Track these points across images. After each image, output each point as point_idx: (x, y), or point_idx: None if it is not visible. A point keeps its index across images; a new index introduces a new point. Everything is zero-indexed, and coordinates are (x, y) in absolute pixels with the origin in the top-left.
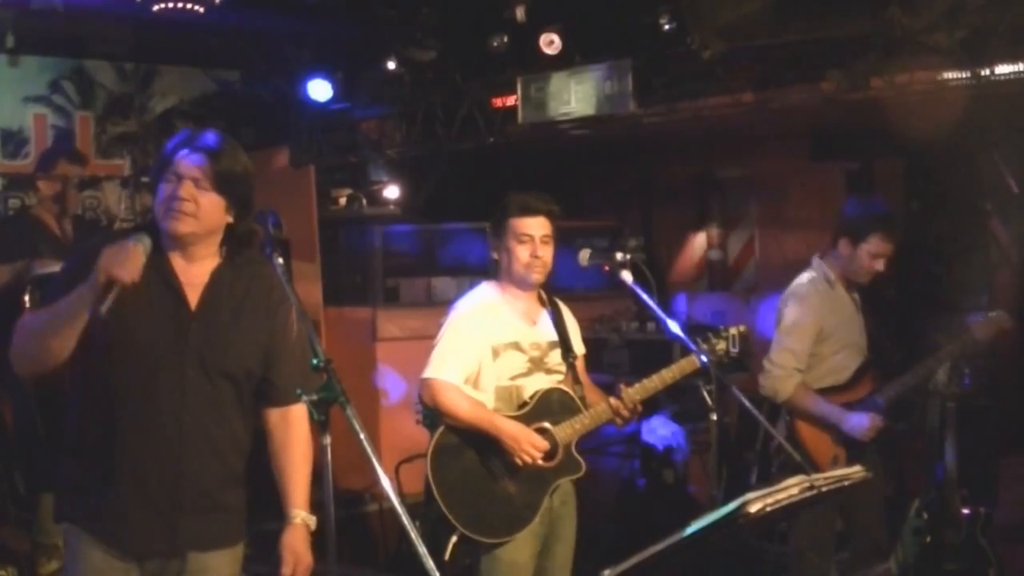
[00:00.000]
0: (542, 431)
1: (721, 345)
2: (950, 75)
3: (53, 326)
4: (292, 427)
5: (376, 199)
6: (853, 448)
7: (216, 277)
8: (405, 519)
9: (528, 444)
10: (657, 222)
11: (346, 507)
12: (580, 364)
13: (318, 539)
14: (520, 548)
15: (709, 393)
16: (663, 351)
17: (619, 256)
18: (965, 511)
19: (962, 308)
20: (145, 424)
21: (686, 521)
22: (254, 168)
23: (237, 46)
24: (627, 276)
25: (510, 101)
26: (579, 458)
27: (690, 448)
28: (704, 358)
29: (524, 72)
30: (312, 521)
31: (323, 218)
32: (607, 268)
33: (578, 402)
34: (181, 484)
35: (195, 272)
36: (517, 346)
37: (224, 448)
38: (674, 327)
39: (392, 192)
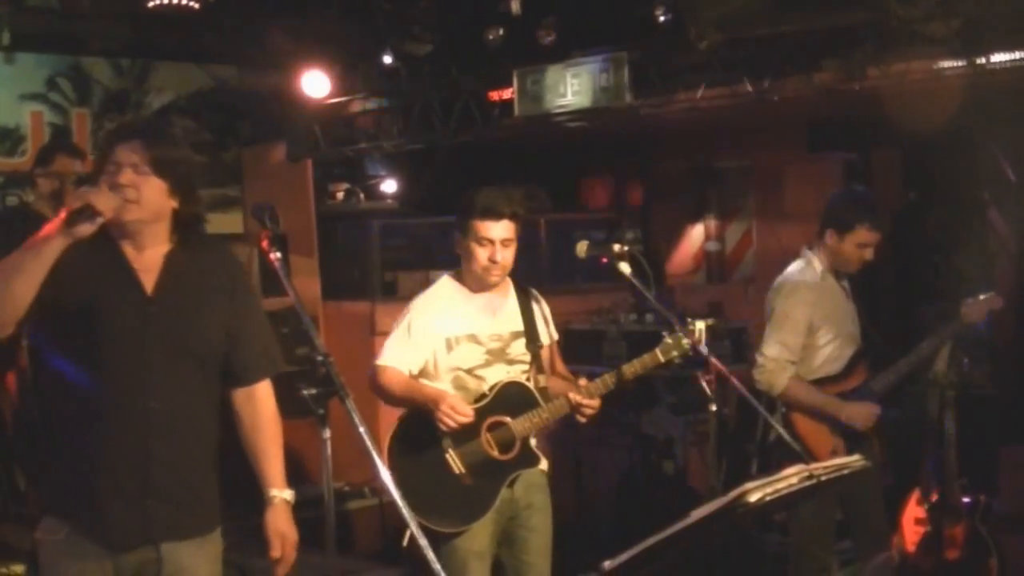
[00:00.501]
0: (499, 424)
1: (685, 341)
2: (947, 64)
3: (16, 267)
4: (259, 405)
5: (373, 193)
6: (851, 438)
7: (170, 262)
8: (406, 512)
9: (448, 407)
10: (655, 214)
11: (345, 501)
12: (547, 353)
13: (318, 533)
14: (476, 537)
15: (708, 384)
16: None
17: (617, 248)
18: (965, 500)
19: (960, 297)
20: (110, 412)
21: (685, 512)
22: (193, 153)
23: (233, 41)
24: (625, 268)
25: (506, 94)
26: (537, 452)
27: (689, 439)
28: (704, 349)
29: (520, 65)
30: (290, 496)
31: (320, 213)
32: (604, 260)
33: (537, 396)
34: (150, 471)
35: (147, 259)
36: (474, 338)
37: (192, 432)
38: (671, 318)
39: (389, 186)
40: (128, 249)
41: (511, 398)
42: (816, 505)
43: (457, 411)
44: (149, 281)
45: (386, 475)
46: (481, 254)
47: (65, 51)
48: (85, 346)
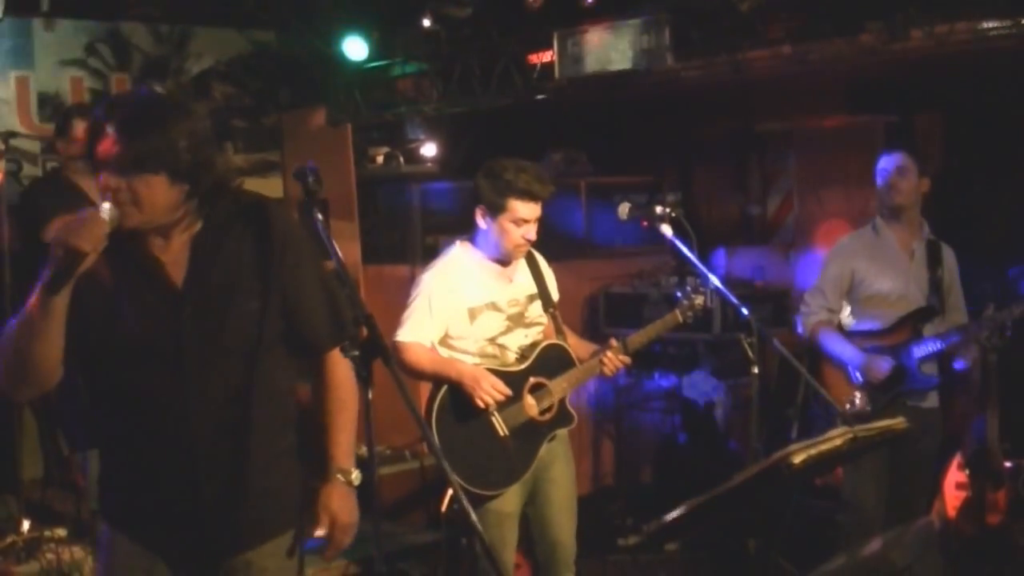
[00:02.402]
0: (539, 386)
1: (699, 300)
2: (991, 24)
3: (28, 332)
4: (329, 375)
5: (414, 157)
6: (872, 391)
7: (199, 245)
8: (451, 476)
9: (487, 384)
10: (696, 177)
11: (385, 464)
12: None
13: (359, 496)
14: (508, 500)
15: (750, 346)
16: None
17: (659, 210)
18: (1008, 464)
19: (1004, 264)
20: (152, 425)
21: (728, 475)
22: (189, 122)
23: (272, 5)
24: (667, 230)
25: (547, 57)
26: (571, 411)
27: (731, 403)
28: (745, 310)
29: (561, 27)
30: (354, 477)
31: (361, 177)
32: (645, 223)
33: (573, 356)
34: (202, 485)
35: (175, 247)
36: (494, 306)
37: (250, 429)
38: (714, 281)
39: (429, 150)
40: (155, 241)
41: (550, 360)
42: (867, 466)
43: (497, 388)
44: (178, 273)
45: (432, 438)
46: (516, 233)
47: (104, 17)
48: (117, 358)
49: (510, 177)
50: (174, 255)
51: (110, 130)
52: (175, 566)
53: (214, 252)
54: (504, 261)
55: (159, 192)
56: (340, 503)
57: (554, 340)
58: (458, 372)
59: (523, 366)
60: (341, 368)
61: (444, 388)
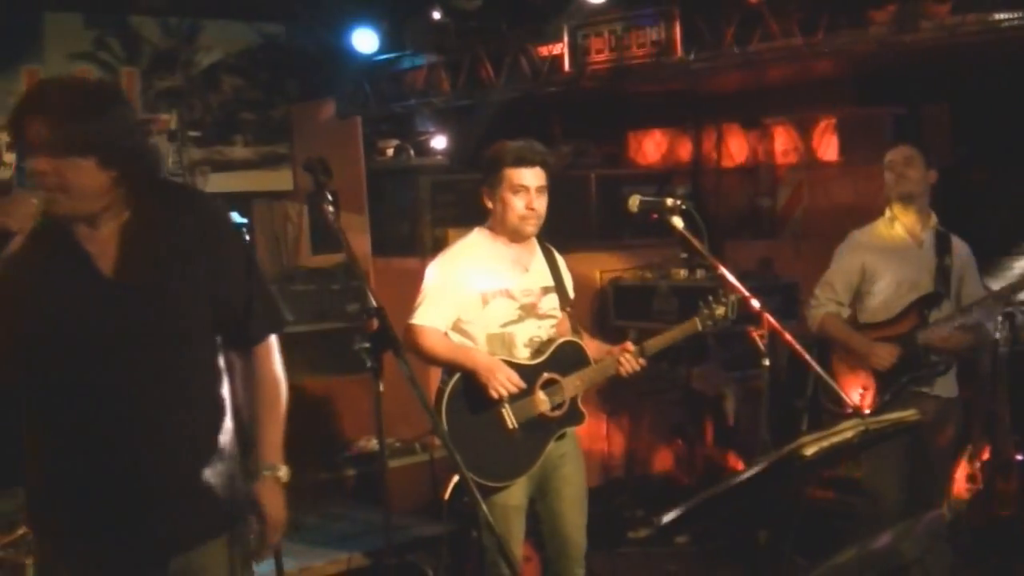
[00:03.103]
0: (552, 382)
1: (720, 310)
2: (1002, 16)
3: None
4: (258, 368)
5: (423, 149)
6: (882, 381)
7: (128, 234)
8: (463, 468)
9: (503, 376)
10: (704, 169)
11: (395, 457)
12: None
13: (369, 488)
14: (514, 493)
15: (760, 339)
16: (711, 292)
17: (669, 202)
18: (1018, 456)
19: (1010, 254)
20: (83, 418)
21: (736, 468)
22: (118, 108)
23: None
24: (678, 222)
25: (557, 49)
26: (582, 410)
27: (741, 395)
28: (755, 303)
29: (571, 20)
30: (284, 474)
31: (370, 169)
32: (655, 216)
33: (588, 355)
34: (139, 478)
35: (103, 237)
36: (508, 293)
37: (189, 423)
38: (725, 272)
39: (439, 142)
40: (82, 230)
41: (566, 357)
42: (887, 456)
43: (512, 381)
44: (107, 263)
45: (442, 430)
46: (517, 203)
47: (114, 10)
48: (46, 353)
49: (500, 148)
50: (102, 245)
51: (41, 114)
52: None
53: (143, 241)
54: (517, 239)
55: (88, 177)
56: (268, 499)
57: (571, 338)
58: (473, 361)
59: (537, 361)
60: (270, 363)
61: (457, 376)
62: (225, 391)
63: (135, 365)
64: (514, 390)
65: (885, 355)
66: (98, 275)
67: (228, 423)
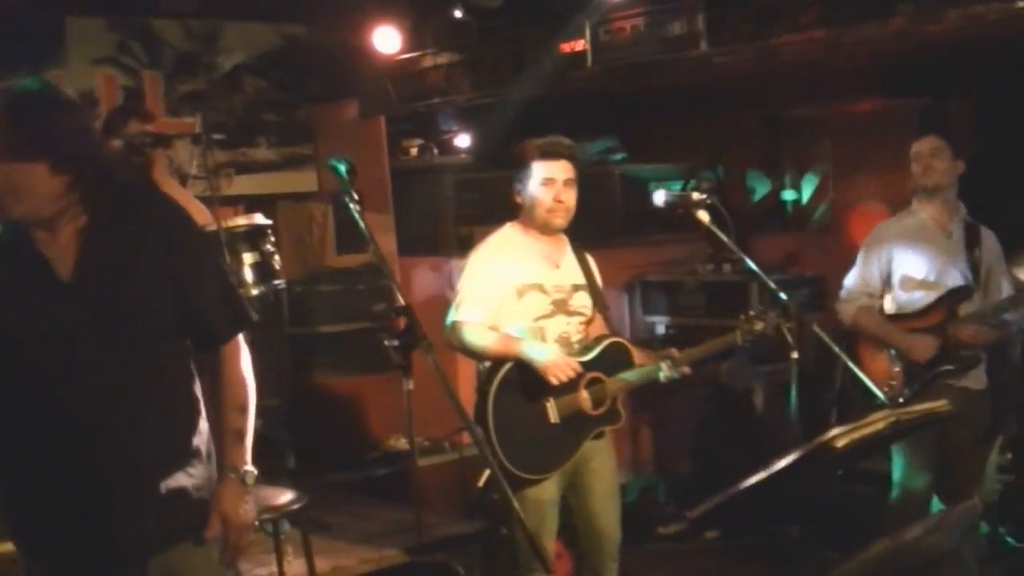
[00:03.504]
0: (596, 381)
1: (759, 325)
2: None
3: None
4: (222, 367)
5: (447, 148)
6: (910, 373)
7: (86, 238)
8: (495, 467)
9: (564, 362)
10: (729, 164)
11: (424, 456)
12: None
13: (399, 487)
14: (546, 488)
15: (789, 332)
16: (739, 293)
17: (695, 196)
18: None
19: None
20: (51, 427)
21: (765, 461)
22: (67, 111)
23: None
24: (704, 216)
25: (578, 46)
26: (621, 410)
27: (770, 388)
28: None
29: (592, 16)
30: (248, 476)
31: (394, 169)
32: (681, 210)
33: (634, 358)
34: (110, 482)
35: (62, 241)
36: (540, 288)
37: (159, 425)
38: (752, 266)
39: (462, 140)
40: (40, 235)
41: (612, 357)
42: (916, 449)
43: (571, 366)
44: (66, 267)
45: (473, 428)
46: (546, 195)
47: (135, 14)
48: (10, 359)
49: (528, 144)
50: (60, 249)
51: None
52: None
53: (103, 244)
54: (547, 233)
55: (39, 181)
56: (231, 502)
57: (619, 339)
58: (530, 349)
59: (586, 358)
60: (236, 363)
61: (508, 366)
62: (198, 392)
63: (98, 370)
64: (573, 376)
65: (925, 348)
66: (56, 280)
67: (203, 424)
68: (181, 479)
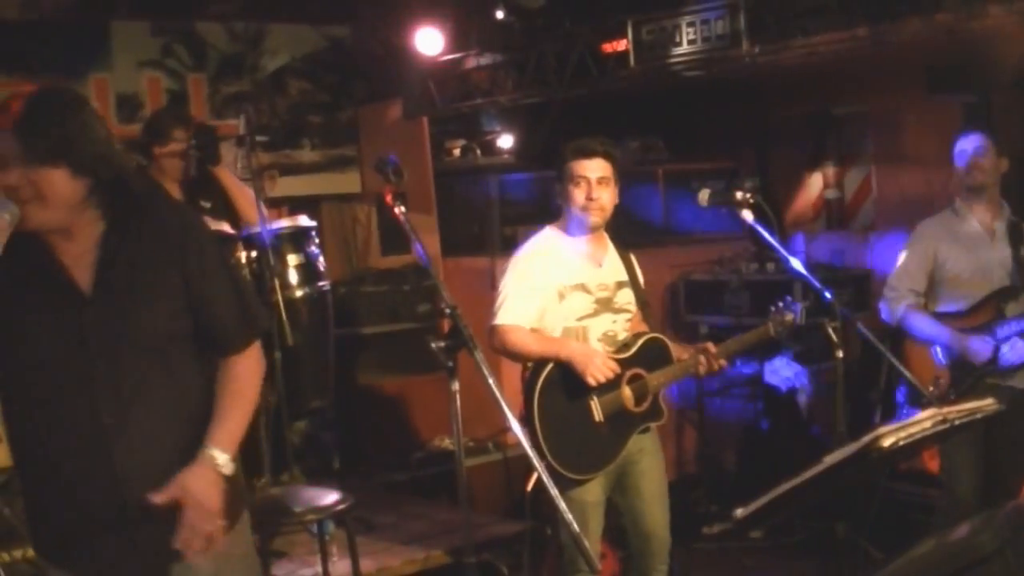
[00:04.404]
0: (637, 378)
1: (789, 316)
2: None
3: None
4: (230, 367)
5: (490, 149)
6: (957, 373)
7: (106, 246)
8: (539, 467)
9: (600, 362)
10: (773, 162)
11: (469, 456)
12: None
13: (445, 488)
14: (591, 489)
15: (834, 331)
16: (784, 292)
17: (739, 195)
18: None
19: None
20: (66, 434)
21: (812, 461)
22: (83, 115)
23: (346, 1)
24: (748, 215)
25: (621, 46)
26: (663, 406)
27: (814, 388)
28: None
29: (635, 15)
30: (224, 463)
31: (438, 169)
32: (726, 209)
33: (673, 353)
34: (124, 494)
35: (80, 248)
36: (583, 287)
37: (178, 432)
38: (797, 265)
39: (506, 141)
40: (57, 242)
41: (651, 353)
42: (963, 449)
43: (609, 367)
44: (84, 275)
45: (518, 429)
46: (578, 194)
47: (180, 17)
48: (21, 370)
49: (567, 144)
50: (77, 258)
51: (9, 125)
52: None
53: (120, 252)
54: (586, 232)
55: (61, 186)
56: (197, 482)
57: (657, 334)
58: (568, 350)
59: (625, 355)
60: (247, 362)
61: (550, 366)
62: (209, 396)
63: (115, 377)
64: (611, 376)
65: (982, 349)
66: (75, 288)
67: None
68: None
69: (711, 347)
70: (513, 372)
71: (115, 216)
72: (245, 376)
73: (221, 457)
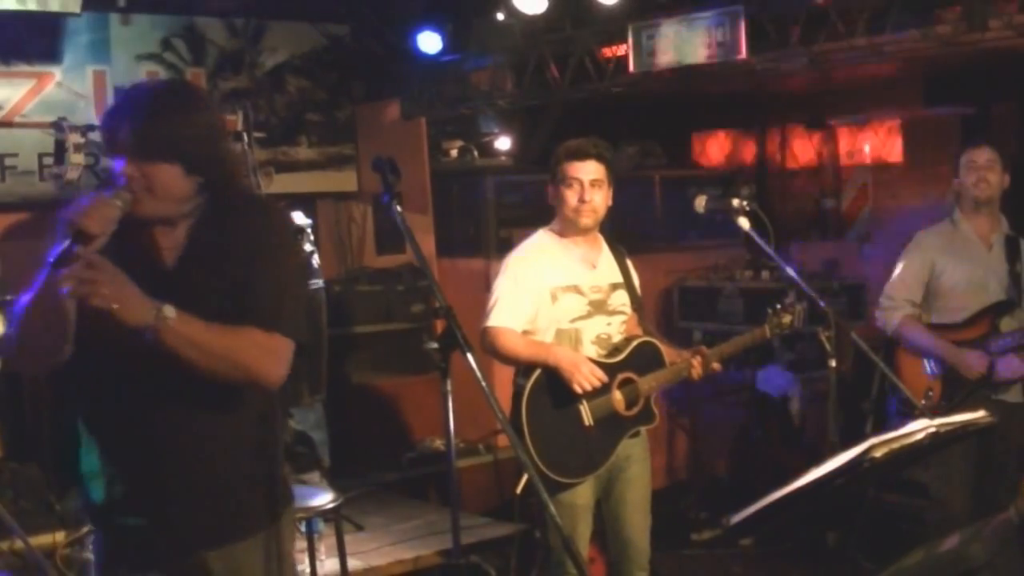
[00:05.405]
0: (628, 381)
1: (787, 318)
2: None
3: (36, 308)
4: (244, 325)
5: (488, 150)
6: (949, 385)
7: (196, 233)
8: (530, 469)
9: (587, 369)
10: (769, 170)
11: (459, 457)
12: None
13: (434, 489)
14: (581, 493)
15: (828, 339)
16: (778, 300)
17: (735, 203)
18: None
19: None
20: (120, 411)
21: (802, 470)
22: (203, 114)
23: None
24: (744, 223)
25: (621, 50)
26: (655, 409)
27: (807, 397)
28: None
29: (635, 20)
30: (168, 312)
31: (435, 170)
32: (719, 217)
33: (664, 357)
34: (171, 474)
35: (177, 235)
36: (576, 289)
37: (221, 419)
38: (791, 273)
39: (504, 143)
40: (159, 229)
41: (642, 356)
42: (954, 462)
43: (595, 375)
44: (172, 257)
45: (511, 431)
46: (570, 196)
47: (179, 12)
48: (111, 343)
49: (561, 145)
50: (174, 241)
51: (128, 117)
52: (165, 568)
53: (211, 238)
54: (579, 234)
55: (173, 181)
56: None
57: (649, 338)
58: (556, 356)
59: (616, 359)
60: (261, 335)
61: (537, 372)
62: (270, 393)
63: (158, 363)
64: (597, 384)
65: (977, 364)
66: (162, 266)
67: (272, 422)
68: (251, 475)
69: (704, 350)
70: (504, 374)
71: (213, 208)
72: (251, 335)
73: (168, 309)
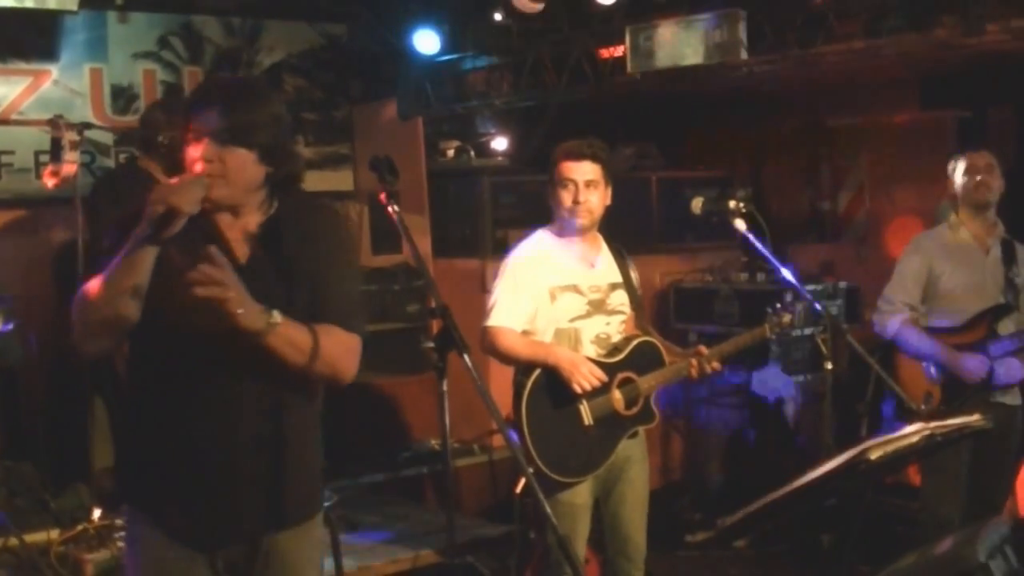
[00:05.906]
0: (628, 381)
1: (787, 318)
2: None
3: (115, 286)
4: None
5: (484, 150)
6: (949, 388)
7: (266, 228)
8: (526, 469)
9: (586, 369)
10: (766, 172)
11: (455, 457)
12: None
13: (429, 489)
14: (580, 492)
15: (824, 342)
16: (774, 301)
17: (732, 205)
18: None
19: None
20: (195, 395)
21: (797, 472)
22: (279, 107)
23: None
24: (740, 225)
25: (618, 51)
26: (655, 409)
27: (802, 399)
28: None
29: (633, 22)
30: (276, 318)
31: (431, 170)
32: (716, 219)
33: (664, 356)
34: (239, 459)
35: (243, 227)
36: (575, 288)
37: (287, 411)
38: (788, 276)
39: (500, 143)
40: (223, 218)
41: (642, 356)
42: (948, 465)
43: (595, 375)
44: (242, 251)
45: (508, 431)
46: (566, 196)
47: (176, 10)
48: (174, 324)
49: (557, 146)
50: (240, 233)
51: (212, 102)
52: (210, 552)
53: (280, 235)
54: (577, 234)
55: (246, 168)
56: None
57: (648, 337)
58: (555, 356)
59: (616, 359)
60: (343, 334)
61: (537, 372)
62: (319, 386)
63: (249, 351)
64: (597, 384)
65: (977, 369)
66: (233, 259)
67: (317, 413)
68: (297, 467)
69: (703, 349)
70: (501, 374)
71: (280, 208)
72: (337, 335)
73: (276, 315)
